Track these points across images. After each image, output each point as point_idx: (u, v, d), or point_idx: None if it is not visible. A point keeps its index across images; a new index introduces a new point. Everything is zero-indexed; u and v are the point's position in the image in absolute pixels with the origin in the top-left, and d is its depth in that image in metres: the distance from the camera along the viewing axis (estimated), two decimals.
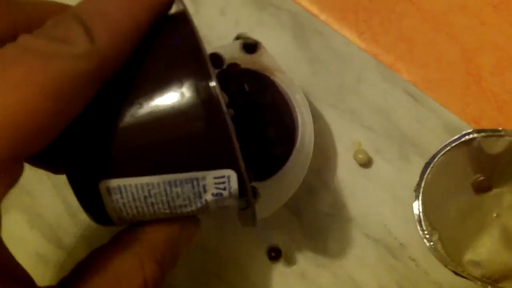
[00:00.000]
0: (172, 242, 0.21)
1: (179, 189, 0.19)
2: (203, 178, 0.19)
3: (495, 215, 0.32)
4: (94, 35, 0.16)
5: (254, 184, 0.28)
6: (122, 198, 0.19)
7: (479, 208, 0.32)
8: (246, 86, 0.29)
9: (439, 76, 0.34)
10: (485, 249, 0.32)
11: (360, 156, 0.33)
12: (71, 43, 0.16)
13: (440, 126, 0.33)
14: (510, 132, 0.32)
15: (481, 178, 0.32)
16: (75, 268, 0.19)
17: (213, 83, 0.18)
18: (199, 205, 0.20)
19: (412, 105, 0.34)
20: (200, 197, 0.19)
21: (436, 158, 0.32)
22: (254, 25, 0.35)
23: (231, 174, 0.19)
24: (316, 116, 0.34)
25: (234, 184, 0.19)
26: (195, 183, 0.19)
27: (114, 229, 0.20)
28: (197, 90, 0.18)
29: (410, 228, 0.32)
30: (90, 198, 0.19)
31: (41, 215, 0.33)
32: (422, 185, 0.32)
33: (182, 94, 0.18)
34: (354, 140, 0.34)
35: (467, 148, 0.32)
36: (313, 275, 0.33)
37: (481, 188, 0.32)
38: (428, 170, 0.32)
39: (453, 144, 0.32)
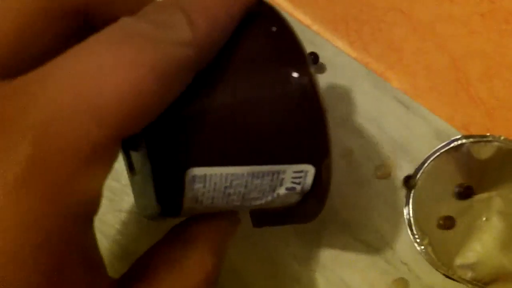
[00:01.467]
0: (225, 236, 0.21)
1: (259, 181, 0.18)
2: (284, 172, 0.18)
3: (484, 219, 0.33)
4: (195, 25, 0.16)
5: None
6: (204, 187, 0.18)
7: (469, 213, 0.33)
8: None
9: (428, 84, 0.35)
10: (475, 253, 0.33)
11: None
12: (176, 30, 0.16)
13: (430, 132, 0.34)
14: (497, 137, 0.33)
15: (464, 185, 0.32)
16: (135, 263, 0.19)
17: (312, 78, 0.18)
18: (269, 198, 0.19)
19: (403, 112, 0.34)
20: (274, 190, 0.19)
21: (426, 164, 0.33)
22: None
23: (310, 169, 0.19)
24: None
25: (309, 179, 0.19)
26: (275, 176, 0.18)
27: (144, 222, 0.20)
28: (295, 84, 0.18)
29: (401, 232, 0.33)
30: (172, 186, 0.18)
31: None
32: (412, 190, 0.33)
33: (280, 86, 0.18)
34: (346, 147, 0.34)
35: (456, 153, 0.33)
36: (307, 280, 0.33)
37: (463, 195, 0.32)
38: (418, 176, 0.33)
39: (442, 150, 0.33)
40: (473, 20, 0.35)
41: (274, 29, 0.19)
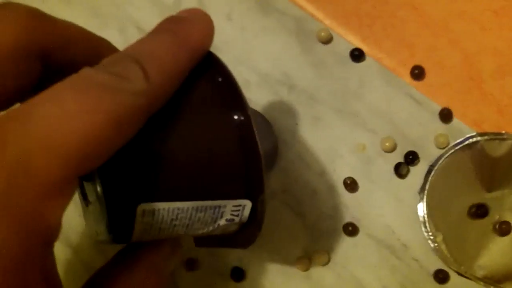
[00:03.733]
0: (167, 259, 0.23)
1: (202, 214, 0.20)
2: (224, 206, 0.20)
3: (497, 217, 0.33)
4: (148, 76, 0.18)
5: None
6: (152, 220, 0.20)
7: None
8: None
9: (440, 80, 0.35)
10: (487, 250, 0.32)
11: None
12: (131, 81, 0.18)
13: (442, 129, 0.34)
14: None
15: (477, 204, 0.32)
16: (86, 283, 0.21)
17: (249, 123, 0.19)
18: (210, 228, 0.21)
19: (415, 108, 0.34)
20: (215, 222, 0.21)
21: (440, 161, 0.33)
22: (259, 30, 0.36)
23: (247, 204, 0.21)
24: (320, 120, 0.34)
25: (246, 212, 0.21)
26: (216, 209, 0.20)
27: None
28: (233, 128, 0.20)
29: (413, 229, 0.33)
30: (123, 219, 0.20)
31: None
32: (427, 187, 0.33)
33: (220, 131, 0.20)
34: (358, 143, 0.34)
35: (470, 151, 0.33)
36: (318, 276, 0.33)
37: (477, 215, 0.32)
38: (432, 173, 0.33)
39: (457, 147, 0.33)
40: (486, 17, 0.35)
41: (217, 78, 0.21)
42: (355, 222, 0.33)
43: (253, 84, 0.35)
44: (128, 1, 0.37)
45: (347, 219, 0.33)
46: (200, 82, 0.21)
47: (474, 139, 0.33)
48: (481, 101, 0.34)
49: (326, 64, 0.35)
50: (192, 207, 0.20)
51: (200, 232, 0.21)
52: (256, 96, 0.35)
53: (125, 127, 0.18)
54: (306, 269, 0.33)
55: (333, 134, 0.34)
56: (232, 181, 0.20)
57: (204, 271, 0.34)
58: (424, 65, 0.35)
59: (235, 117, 0.20)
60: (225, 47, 0.36)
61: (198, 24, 0.22)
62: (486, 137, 0.33)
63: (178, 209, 0.20)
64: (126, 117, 0.17)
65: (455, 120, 0.34)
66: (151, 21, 0.36)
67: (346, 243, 0.33)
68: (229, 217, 0.21)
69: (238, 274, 0.33)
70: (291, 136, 0.34)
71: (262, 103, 0.35)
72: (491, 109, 0.34)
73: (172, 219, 0.20)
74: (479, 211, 0.32)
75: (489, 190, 0.33)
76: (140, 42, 0.20)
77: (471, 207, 0.32)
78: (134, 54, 0.19)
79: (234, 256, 0.34)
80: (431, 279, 0.33)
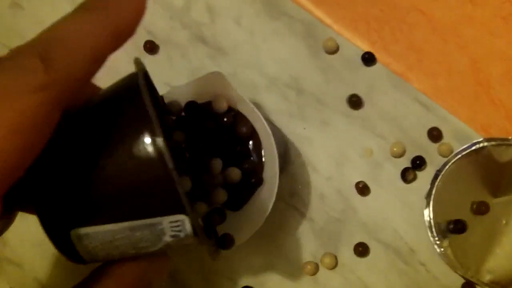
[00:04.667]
0: (141, 277, 0.22)
1: (140, 233, 0.21)
2: (160, 223, 0.21)
3: (504, 222, 0.33)
4: (51, 64, 0.17)
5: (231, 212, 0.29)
6: (91, 243, 0.21)
7: (488, 216, 0.33)
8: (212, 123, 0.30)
9: (448, 85, 0.35)
10: (494, 255, 0.33)
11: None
12: (29, 76, 0.17)
13: (449, 134, 0.34)
14: None
15: (479, 201, 0.32)
16: None
17: (163, 147, 0.19)
18: (161, 245, 0.22)
19: (423, 113, 0.34)
20: (161, 239, 0.21)
21: (447, 166, 0.33)
22: (268, 34, 0.36)
23: (185, 219, 0.21)
24: (328, 124, 0.35)
25: (188, 227, 0.21)
26: (152, 228, 0.21)
27: None
28: (147, 148, 0.20)
29: (420, 233, 0.33)
30: (64, 244, 0.21)
31: None
32: (433, 192, 0.33)
33: (135, 152, 0.20)
34: (366, 148, 0.34)
35: (477, 156, 0.33)
36: (325, 280, 0.33)
37: (480, 211, 0.32)
38: (439, 178, 0.33)
39: (464, 153, 0.33)
40: (495, 23, 0.35)
41: (137, 101, 0.21)
42: (362, 226, 0.33)
43: (262, 87, 0.35)
44: None
45: (355, 223, 0.34)
46: (120, 103, 0.21)
47: (481, 145, 0.33)
48: (488, 106, 0.34)
49: (334, 69, 0.35)
50: (125, 228, 0.20)
51: (153, 249, 0.22)
52: (264, 100, 0.35)
53: (32, 130, 0.17)
54: (314, 273, 0.33)
55: (341, 138, 0.35)
56: (152, 200, 0.20)
57: (213, 272, 0.34)
58: (432, 69, 0.35)
59: (149, 143, 0.20)
60: (234, 51, 0.36)
61: (126, 2, 0.19)
62: (493, 143, 0.33)
63: (112, 231, 0.20)
64: (31, 119, 0.16)
65: (462, 124, 0.34)
66: (160, 25, 0.36)
67: (353, 247, 0.33)
68: (172, 233, 0.21)
69: None
70: (299, 140, 0.35)
71: (270, 107, 0.35)
72: (498, 115, 0.34)
73: (110, 241, 0.21)
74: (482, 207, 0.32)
75: (496, 195, 0.33)
76: (57, 23, 0.18)
77: (472, 204, 0.32)
78: (35, 43, 0.18)
79: (241, 259, 0.34)
80: (438, 283, 0.33)
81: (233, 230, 0.28)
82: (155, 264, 0.23)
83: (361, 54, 0.35)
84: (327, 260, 0.33)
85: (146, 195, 0.20)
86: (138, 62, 0.23)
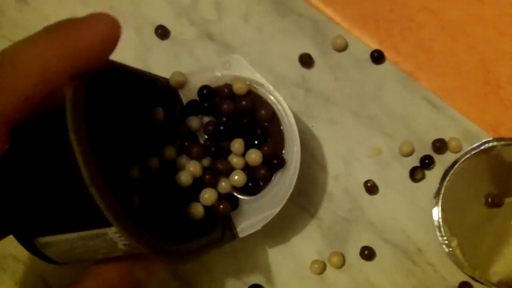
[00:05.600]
0: (127, 275, 0.23)
1: (92, 242, 0.21)
2: (106, 234, 0.21)
3: None
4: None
5: (245, 198, 0.29)
6: (55, 249, 0.22)
7: (497, 216, 0.33)
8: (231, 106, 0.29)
9: (457, 85, 0.34)
10: (502, 256, 0.32)
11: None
12: None
13: (458, 133, 0.34)
14: None
15: (494, 193, 0.32)
16: None
17: (80, 160, 0.20)
18: (121, 252, 0.22)
19: (431, 112, 0.34)
20: (116, 246, 0.21)
21: (456, 166, 0.33)
22: (276, 31, 0.36)
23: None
24: (337, 123, 0.34)
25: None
26: (102, 237, 0.21)
27: None
28: (67, 169, 0.20)
29: (428, 233, 0.33)
30: (34, 250, 0.23)
31: None
32: (442, 192, 0.33)
33: (60, 171, 0.21)
34: (374, 147, 0.34)
35: (486, 156, 0.33)
36: (333, 279, 0.33)
37: (494, 203, 0.32)
38: (448, 177, 0.33)
39: (473, 152, 0.33)
40: (504, 22, 0.35)
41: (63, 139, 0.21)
42: (369, 226, 0.33)
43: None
44: (145, 1, 0.37)
45: (363, 223, 0.33)
46: (51, 128, 0.22)
47: (490, 144, 0.33)
48: (498, 106, 0.34)
49: (343, 67, 0.35)
50: (77, 237, 0.21)
51: (119, 254, 0.22)
52: None
53: None
54: (321, 272, 0.33)
55: (349, 137, 0.34)
56: (84, 214, 0.21)
57: (218, 271, 0.34)
58: (441, 69, 0.35)
59: (69, 161, 0.20)
60: (242, 48, 0.36)
61: (91, 29, 0.21)
62: (502, 142, 0.33)
63: (68, 239, 0.21)
64: None
65: (471, 124, 0.34)
66: (168, 21, 0.36)
67: (361, 247, 0.33)
68: (123, 242, 0.21)
69: None
70: (307, 139, 0.34)
71: None
72: (508, 115, 0.34)
73: (70, 248, 0.22)
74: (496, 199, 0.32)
75: (505, 195, 0.33)
76: (13, 44, 0.20)
77: (487, 196, 0.32)
78: None
79: (247, 258, 0.34)
80: (446, 283, 0.33)
81: (249, 216, 0.28)
82: (143, 262, 0.23)
83: (369, 52, 0.35)
84: (335, 259, 0.33)
85: (78, 209, 0.21)
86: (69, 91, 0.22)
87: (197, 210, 0.28)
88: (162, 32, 0.36)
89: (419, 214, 0.33)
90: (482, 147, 0.33)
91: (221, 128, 0.29)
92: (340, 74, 0.35)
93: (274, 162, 0.29)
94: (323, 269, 0.33)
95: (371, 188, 0.33)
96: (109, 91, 0.26)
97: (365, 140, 0.34)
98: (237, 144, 0.28)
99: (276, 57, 0.35)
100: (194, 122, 0.29)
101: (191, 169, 0.28)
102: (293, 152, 0.29)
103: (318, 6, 0.36)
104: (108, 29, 0.21)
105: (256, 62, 0.35)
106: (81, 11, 0.36)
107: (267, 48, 0.36)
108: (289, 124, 0.29)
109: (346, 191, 0.34)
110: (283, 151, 0.30)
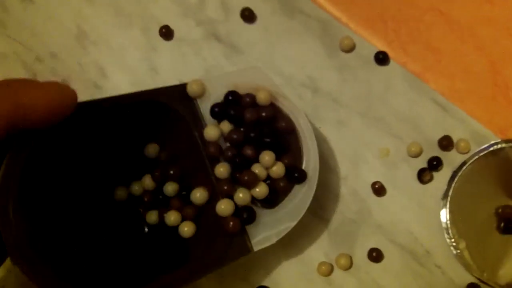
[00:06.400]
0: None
1: None
2: None
3: None
4: None
5: (262, 210, 0.29)
6: None
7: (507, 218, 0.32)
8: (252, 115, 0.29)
9: (466, 86, 0.34)
10: (511, 258, 0.32)
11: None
12: None
13: (467, 135, 0.34)
14: None
15: (504, 204, 0.32)
16: None
17: None
18: None
19: (440, 114, 0.34)
20: None
21: (464, 167, 0.33)
22: (283, 32, 0.35)
23: None
24: (344, 124, 0.34)
25: None
26: None
27: None
28: None
29: (436, 235, 0.33)
30: None
31: None
32: (450, 193, 0.33)
33: None
34: (382, 148, 0.34)
35: (495, 157, 0.33)
36: (340, 281, 0.33)
37: (505, 215, 0.32)
38: (456, 179, 0.33)
39: (481, 154, 0.33)
40: None
41: None
42: (377, 228, 0.33)
43: None
44: (152, 0, 0.36)
45: (370, 224, 0.33)
46: None
47: (499, 146, 0.33)
48: (506, 107, 0.34)
49: (350, 68, 0.35)
50: None
51: None
52: None
53: None
54: (329, 274, 0.33)
55: (357, 138, 0.34)
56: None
57: (226, 274, 0.34)
58: (449, 70, 0.34)
59: None
60: (249, 49, 0.35)
61: (40, 94, 0.22)
62: (511, 144, 0.33)
63: None
64: None
65: (479, 126, 0.34)
66: (174, 21, 0.36)
67: (368, 248, 0.33)
68: None
69: None
70: None
71: None
72: None
73: None
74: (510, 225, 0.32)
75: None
76: None
77: (497, 208, 0.32)
78: None
79: (256, 259, 0.33)
80: (453, 285, 0.33)
81: (264, 229, 0.28)
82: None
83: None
84: (342, 261, 0.33)
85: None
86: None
87: (186, 229, 0.28)
88: (166, 32, 0.35)
89: (427, 216, 0.33)
90: (491, 149, 0.33)
91: (251, 135, 0.28)
92: (348, 75, 0.35)
93: (296, 176, 0.29)
94: (330, 271, 0.33)
95: (379, 189, 0.33)
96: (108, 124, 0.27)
97: (372, 141, 0.34)
98: (267, 157, 0.28)
99: (283, 57, 0.35)
100: (213, 130, 0.29)
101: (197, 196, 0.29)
102: (311, 166, 0.29)
103: (325, 6, 0.35)
104: (59, 98, 0.23)
105: (262, 62, 0.35)
106: (87, 11, 0.36)
107: (274, 48, 0.35)
108: (308, 138, 0.29)
109: (354, 193, 0.34)
110: (303, 165, 0.29)
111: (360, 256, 0.33)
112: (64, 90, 0.23)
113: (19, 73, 0.36)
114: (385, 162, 0.34)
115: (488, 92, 0.34)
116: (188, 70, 0.35)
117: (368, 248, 0.33)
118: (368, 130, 0.34)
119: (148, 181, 0.29)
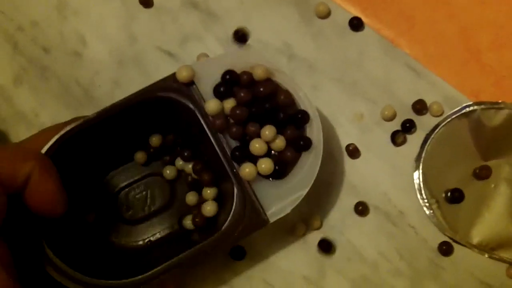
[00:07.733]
0: None
1: None
2: None
3: (493, 185, 0.33)
4: None
5: (272, 182, 0.29)
6: None
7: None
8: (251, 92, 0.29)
9: (439, 52, 0.35)
10: (482, 218, 0.33)
11: None
12: None
13: (440, 98, 0.34)
14: (509, 104, 0.33)
15: (482, 165, 0.33)
16: None
17: None
18: None
19: (413, 78, 0.34)
20: None
21: (437, 130, 0.33)
22: (259, 0, 0.36)
23: None
24: (319, 89, 0.35)
25: None
26: None
27: None
28: None
29: (409, 196, 0.33)
30: None
31: None
32: (423, 155, 0.33)
33: None
34: (356, 112, 0.34)
35: (467, 120, 0.33)
36: (314, 242, 0.33)
37: (481, 176, 0.33)
38: (429, 141, 0.33)
39: (454, 116, 0.33)
40: None
41: None
42: (351, 189, 0.34)
43: None
44: None
45: (345, 186, 0.34)
46: None
47: (471, 108, 0.33)
48: (478, 72, 0.35)
49: (325, 34, 0.35)
50: None
51: None
52: None
53: None
54: (303, 235, 0.33)
55: (332, 103, 0.35)
56: None
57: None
58: (422, 36, 0.35)
59: None
60: (226, 16, 0.36)
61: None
62: (482, 106, 0.33)
63: None
64: None
65: (452, 90, 0.34)
66: None
67: (343, 210, 0.33)
68: None
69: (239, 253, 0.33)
70: None
71: None
72: (488, 80, 0.34)
73: None
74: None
75: (486, 159, 0.33)
76: None
77: (475, 169, 0.33)
78: None
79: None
80: (427, 245, 0.33)
81: (278, 200, 0.28)
82: None
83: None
84: (316, 222, 0.33)
85: None
86: None
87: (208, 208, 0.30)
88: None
89: (401, 177, 0.34)
90: (463, 111, 0.33)
91: (253, 110, 0.29)
92: (323, 41, 0.35)
93: (301, 144, 0.29)
94: (304, 231, 0.33)
95: (353, 151, 0.34)
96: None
97: (347, 105, 0.35)
98: (267, 131, 0.28)
99: (259, 24, 0.36)
100: (213, 103, 0.29)
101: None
102: (313, 133, 0.29)
103: None
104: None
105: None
106: None
107: (250, 15, 0.36)
108: (309, 108, 0.29)
109: (328, 156, 0.34)
110: (306, 133, 0.30)
111: (335, 217, 0.33)
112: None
113: (0, 42, 0.37)
114: (360, 125, 0.34)
115: (460, 57, 0.35)
116: (166, 37, 0.36)
117: (342, 210, 0.33)
118: (343, 94, 0.35)
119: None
